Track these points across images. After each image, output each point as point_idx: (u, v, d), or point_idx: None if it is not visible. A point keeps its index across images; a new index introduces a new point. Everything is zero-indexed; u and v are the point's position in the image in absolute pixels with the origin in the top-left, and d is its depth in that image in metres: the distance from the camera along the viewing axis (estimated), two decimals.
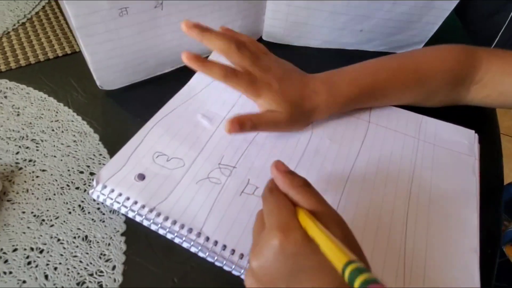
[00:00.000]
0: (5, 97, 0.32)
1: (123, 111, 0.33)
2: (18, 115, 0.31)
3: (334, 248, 0.15)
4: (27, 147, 0.29)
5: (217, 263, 0.24)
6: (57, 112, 0.31)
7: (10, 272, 0.22)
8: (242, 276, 0.23)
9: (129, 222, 0.25)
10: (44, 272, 0.22)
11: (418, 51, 0.35)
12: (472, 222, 0.26)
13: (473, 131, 0.33)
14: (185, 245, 0.24)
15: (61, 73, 0.35)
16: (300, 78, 0.30)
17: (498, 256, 0.27)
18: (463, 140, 0.32)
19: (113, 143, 0.29)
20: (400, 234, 0.26)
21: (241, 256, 0.24)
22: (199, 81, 0.35)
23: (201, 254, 0.24)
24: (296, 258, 0.17)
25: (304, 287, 0.17)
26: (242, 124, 0.26)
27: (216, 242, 0.24)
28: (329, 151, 0.30)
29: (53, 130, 0.30)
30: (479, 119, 0.35)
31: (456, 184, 0.29)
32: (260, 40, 0.42)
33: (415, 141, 0.32)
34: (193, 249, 0.24)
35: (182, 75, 0.36)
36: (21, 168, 0.27)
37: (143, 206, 0.25)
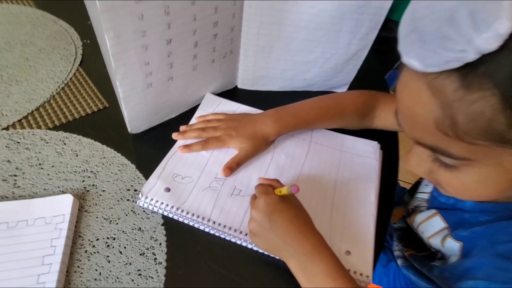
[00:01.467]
0: (64, 144, 0.47)
1: (148, 147, 0.48)
2: (76, 156, 0.46)
3: (287, 189, 0.34)
4: (89, 177, 0.44)
5: (221, 236, 0.39)
6: (103, 152, 0.47)
7: (98, 252, 0.37)
8: (237, 242, 0.39)
9: (165, 217, 0.41)
10: (119, 250, 0.37)
11: (339, 94, 0.53)
12: (371, 198, 0.44)
13: (376, 142, 0.51)
14: (201, 227, 0.40)
15: (99, 123, 0.50)
16: (250, 120, 0.48)
17: (389, 220, 0.45)
18: (370, 149, 0.50)
19: (146, 169, 0.45)
20: (330, 205, 0.43)
21: (235, 230, 0.40)
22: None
23: (211, 232, 0.40)
24: (273, 205, 0.35)
25: (278, 219, 0.35)
26: (230, 167, 0.45)
27: (219, 224, 0.40)
28: (285, 163, 0.47)
29: (103, 164, 0.45)
30: (385, 135, 0.53)
31: (364, 177, 0.46)
32: (236, 88, 0.59)
33: (339, 152, 0.49)
34: (206, 229, 0.40)
35: (184, 119, 0.52)
36: (88, 190, 0.42)
37: (172, 207, 0.41)
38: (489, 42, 0.21)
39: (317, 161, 0.48)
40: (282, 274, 0.36)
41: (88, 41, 0.64)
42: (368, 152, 0.50)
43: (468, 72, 0.23)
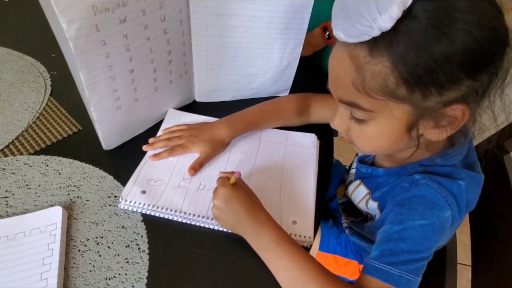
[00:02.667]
0: (47, 165, 0.54)
1: (122, 159, 0.56)
2: (59, 174, 0.53)
3: (233, 177, 0.44)
4: (73, 190, 0.51)
5: (192, 223, 0.49)
6: (83, 168, 0.54)
7: (90, 249, 0.45)
8: (206, 226, 0.48)
9: (143, 215, 0.49)
10: (107, 245, 0.45)
11: (279, 98, 0.64)
12: (310, 178, 0.55)
13: (314, 134, 0.62)
14: (175, 218, 0.49)
15: (76, 144, 0.57)
16: (208, 128, 0.57)
17: (327, 194, 0.56)
18: (309, 140, 0.62)
19: (123, 178, 0.53)
20: (279, 188, 0.53)
21: (203, 217, 0.49)
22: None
23: (184, 221, 0.49)
24: (229, 193, 0.44)
25: (233, 204, 0.44)
26: (194, 168, 0.54)
27: (189, 213, 0.49)
28: (240, 159, 0.57)
29: (84, 178, 0.53)
30: (321, 127, 0.65)
31: (304, 162, 0.58)
32: (194, 101, 0.68)
33: (285, 145, 0.60)
34: (179, 219, 0.49)
35: (152, 132, 0.61)
36: (74, 202, 0.49)
37: (149, 205, 0.49)
38: (385, 22, 0.31)
39: (266, 155, 0.59)
40: (242, 245, 0.46)
41: (55, 73, 0.70)
42: (307, 143, 0.61)
43: (373, 44, 0.33)
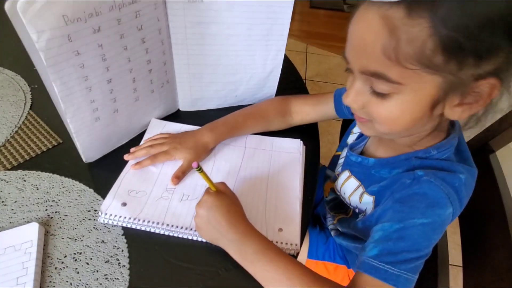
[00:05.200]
0: (24, 180, 0.52)
1: (103, 172, 0.54)
2: (37, 189, 0.51)
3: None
4: (51, 205, 0.49)
5: (175, 235, 0.47)
6: (62, 182, 0.52)
7: (67, 266, 0.43)
8: (189, 237, 0.47)
9: (124, 228, 0.47)
10: (86, 262, 0.43)
11: (261, 102, 0.64)
12: (296, 185, 0.54)
13: (299, 140, 0.62)
14: (157, 231, 0.47)
15: (56, 158, 0.56)
16: (191, 134, 0.57)
17: (314, 199, 0.55)
18: (295, 146, 0.61)
19: (104, 191, 0.51)
20: (264, 195, 0.52)
21: (186, 228, 0.47)
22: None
23: (166, 233, 0.47)
24: (211, 201, 0.43)
25: (214, 214, 0.42)
26: (177, 176, 0.53)
27: (172, 225, 0.48)
28: (225, 167, 0.56)
29: (63, 193, 0.51)
30: (306, 132, 0.65)
31: (290, 169, 0.57)
32: (179, 110, 0.68)
33: (270, 152, 0.60)
34: (162, 232, 0.47)
35: (134, 143, 0.59)
36: (52, 217, 0.48)
37: (130, 218, 0.48)
38: None
39: (252, 162, 0.58)
40: (227, 256, 0.44)
41: (36, 86, 0.69)
42: (293, 148, 0.60)
43: (412, 3, 0.30)
